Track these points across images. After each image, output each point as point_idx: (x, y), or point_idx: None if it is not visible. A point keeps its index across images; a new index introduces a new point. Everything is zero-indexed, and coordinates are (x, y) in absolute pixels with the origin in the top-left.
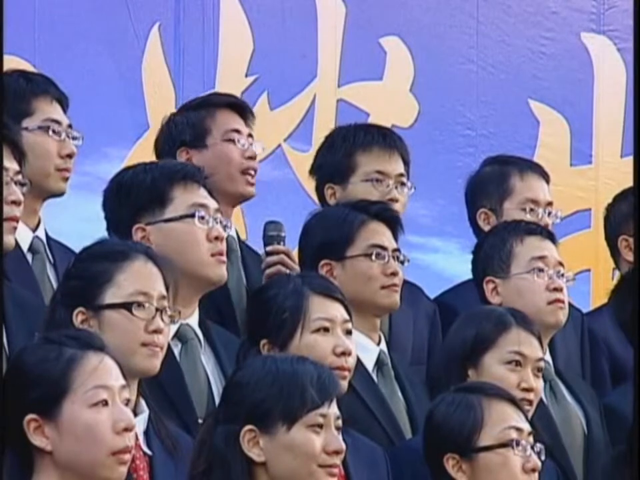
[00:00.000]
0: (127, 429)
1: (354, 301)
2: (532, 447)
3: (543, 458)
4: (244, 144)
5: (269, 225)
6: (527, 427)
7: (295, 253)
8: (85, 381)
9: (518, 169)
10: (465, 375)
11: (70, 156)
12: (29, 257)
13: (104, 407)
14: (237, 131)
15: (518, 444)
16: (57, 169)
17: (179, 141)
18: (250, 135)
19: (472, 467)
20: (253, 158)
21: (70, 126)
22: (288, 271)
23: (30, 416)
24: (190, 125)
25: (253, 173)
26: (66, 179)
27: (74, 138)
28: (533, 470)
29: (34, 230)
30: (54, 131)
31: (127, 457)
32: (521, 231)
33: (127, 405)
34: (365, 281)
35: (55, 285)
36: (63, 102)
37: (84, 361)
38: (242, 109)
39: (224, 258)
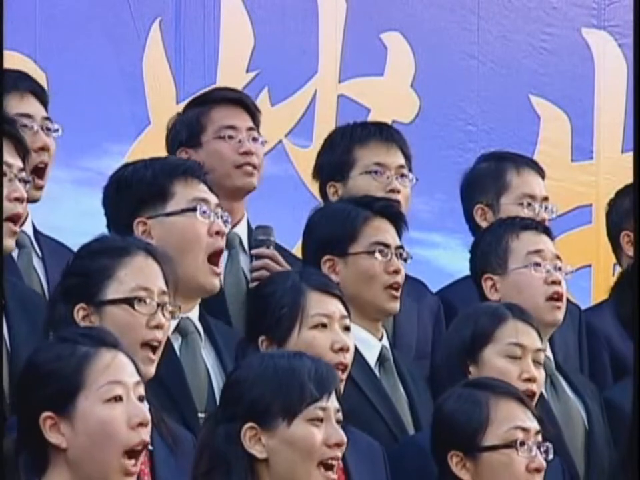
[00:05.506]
0: (142, 424)
1: (355, 299)
2: (539, 447)
3: (550, 457)
4: (240, 139)
5: (257, 230)
6: (534, 426)
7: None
8: (98, 377)
9: (514, 165)
10: (466, 371)
11: (43, 149)
12: (15, 252)
13: (118, 403)
14: (232, 127)
15: (523, 444)
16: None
17: (177, 141)
18: (251, 129)
19: (475, 466)
20: (248, 153)
21: (47, 118)
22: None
23: (46, 413)
24: (185, 124)
25: (249, 167)
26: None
27: (53, 130)
28: (537, 470)
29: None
30: (24, 126)
31: (135, 469)
32: (516, 227)
33: (142, 401)
34: (367, 278)
35: (42, 278)
36: (39, 94)
37: (97, 357)
38: (241, 102)
39: (219, 270)
